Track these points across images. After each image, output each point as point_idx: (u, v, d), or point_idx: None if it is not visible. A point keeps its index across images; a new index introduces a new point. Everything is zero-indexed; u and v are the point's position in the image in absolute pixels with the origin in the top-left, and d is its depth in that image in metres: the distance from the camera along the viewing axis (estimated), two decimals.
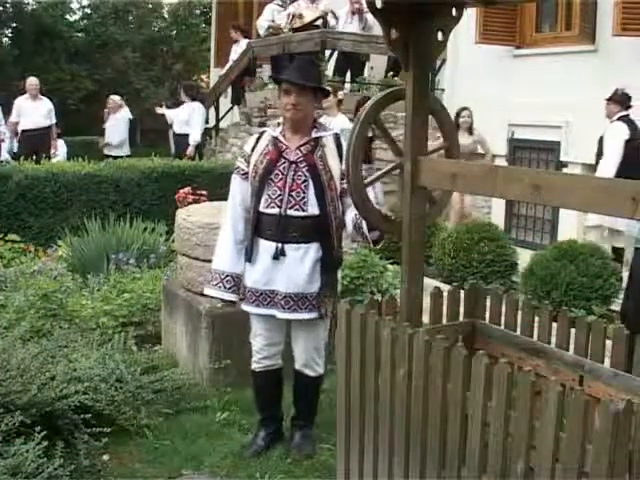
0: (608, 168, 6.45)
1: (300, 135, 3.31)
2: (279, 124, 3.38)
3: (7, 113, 10.47)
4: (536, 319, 2.79)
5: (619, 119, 6.72)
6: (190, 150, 9.60)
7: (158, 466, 3.37)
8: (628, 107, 6.74)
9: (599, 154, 6.79)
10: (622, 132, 6.64)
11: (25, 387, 3.24)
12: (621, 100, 6.77)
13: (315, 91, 3.32)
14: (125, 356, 4.00)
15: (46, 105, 10.55)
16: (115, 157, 9.76)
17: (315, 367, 3.44)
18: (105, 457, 3.37)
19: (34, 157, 8.36)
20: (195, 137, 9.75)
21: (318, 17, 10.11)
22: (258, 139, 3.39)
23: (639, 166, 6.51)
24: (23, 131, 10.31)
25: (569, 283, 5.56)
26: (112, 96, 11.40)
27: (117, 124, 11.02)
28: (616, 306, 5.47)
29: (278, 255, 3.25)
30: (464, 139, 7.73)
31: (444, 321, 2.97)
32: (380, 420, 2.62)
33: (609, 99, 6.80)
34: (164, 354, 4.50)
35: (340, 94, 7.46)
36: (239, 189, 3.37)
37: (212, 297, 3.51)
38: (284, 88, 3.27)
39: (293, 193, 3.24)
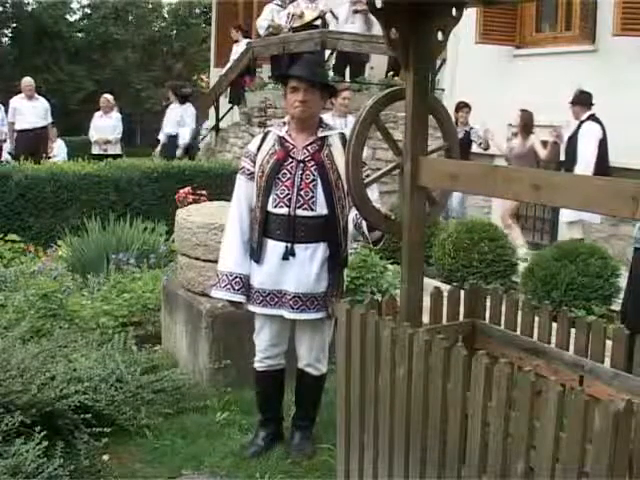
0: (587, 167, 6.54)
1: (306, 134, 3.30)
2: (284, 123, 3.36)
3: (8, 113, 10.47)
4: (536, 319, 2.78)
5: (589, 119, 6.78)
6: (179, 152, 9.75)
7: (158, 466, 3.36)
8: (591, 105, 6.79)
9: (570, 154, 6.84)
10: (597, 131, 6.73)
11: (25, 387, 3.24)
12: (584, 100, 6.82)
13: (322, 89, 3.30)
14: (125, 356, 4.00)
15: (42, 105, 10.50)
16: (107, 156, 9.74)
17: (319, 366, 3.44)
18: (105, 457, 3.36)
19: (30, 157, 8.34)
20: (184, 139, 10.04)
21: (318, 16, 10.12)
22: (263, 138, 3.36)
23: (607, 165, 6.64)
24: (19, 131, 10.29)
25: (569, 283, 5.56)
26: (106, 95, 11.37)
27: (116, 124, 11.00)
28: (616, 306, 5.47)
29: (288, 255, 3.24)
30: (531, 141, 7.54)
31: (444, 321, 2.96)
32: (380, 420, 2.62)
33: (573, 102, 6.86)
34: (164, 354, 4.50)
35: (347, 93, 7.40)
36: (245, 189, 3.34)
37: (220, 299, 3.47)
38: (292, 85, 3.23)
39: (302, 192, 3.23)
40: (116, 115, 11.11)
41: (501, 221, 7.72)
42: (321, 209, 3.24)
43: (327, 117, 6.79)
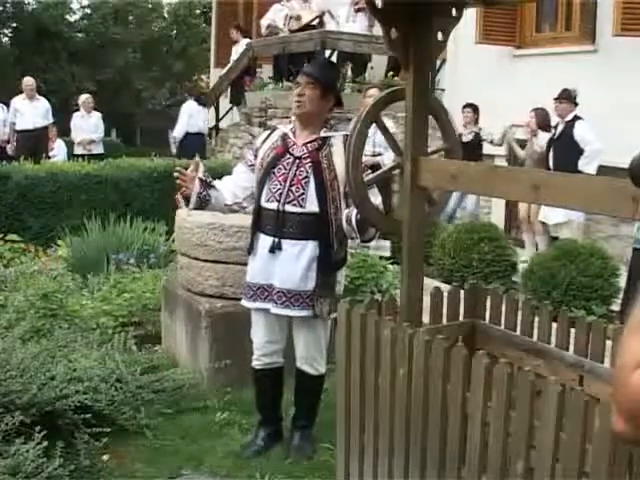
0: (597, 154, 6.66)
1: (308, 132, 3.33)
2: (291, 121, 3.43)
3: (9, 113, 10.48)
4: (536, 319, 2.79)
5: (577, 118, 6.85)
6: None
7: (158, 466, 3.36)
8: (576, 104, 6.86)
9: (560, 156, 6.85)
10: (590, 128, 6.80)
11: (25, 387, 3.24)
12: (571, 99, 6.85)
13: (326, 90, 3.30)
14: (125, 356, 4.00)
15: (43, 105, 10.50)
16: (91, 156, 9.71)
17: (316, 365, 3.43)
18: (105, 457, 3.36)
19: (30, 157, 8.33)
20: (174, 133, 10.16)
21: (315, 17, 10.11)
22: (270, 134, 3.43)
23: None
24: (20, 131, 10.28)
25: (569, 283, 5.55)
26: (87, 95, 11.35)
27: (98, 122, 11.00)
28: (616, 306, 5.47)
29: (274, 249, 3.26)
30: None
31: (444, 321, 2.97)
32: (380, 420, 2.62)
33: (559, 98, 6.92)
34: (164, 354, 4.50)
35: (373, 91, 7.25)
36: (241, 170, 3.42)
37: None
38: (296, 80, 3.35)
39: (292, 188, 3.24)
40: (96, 114, 11.10)
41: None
42: (311, 206, 3.24)
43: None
